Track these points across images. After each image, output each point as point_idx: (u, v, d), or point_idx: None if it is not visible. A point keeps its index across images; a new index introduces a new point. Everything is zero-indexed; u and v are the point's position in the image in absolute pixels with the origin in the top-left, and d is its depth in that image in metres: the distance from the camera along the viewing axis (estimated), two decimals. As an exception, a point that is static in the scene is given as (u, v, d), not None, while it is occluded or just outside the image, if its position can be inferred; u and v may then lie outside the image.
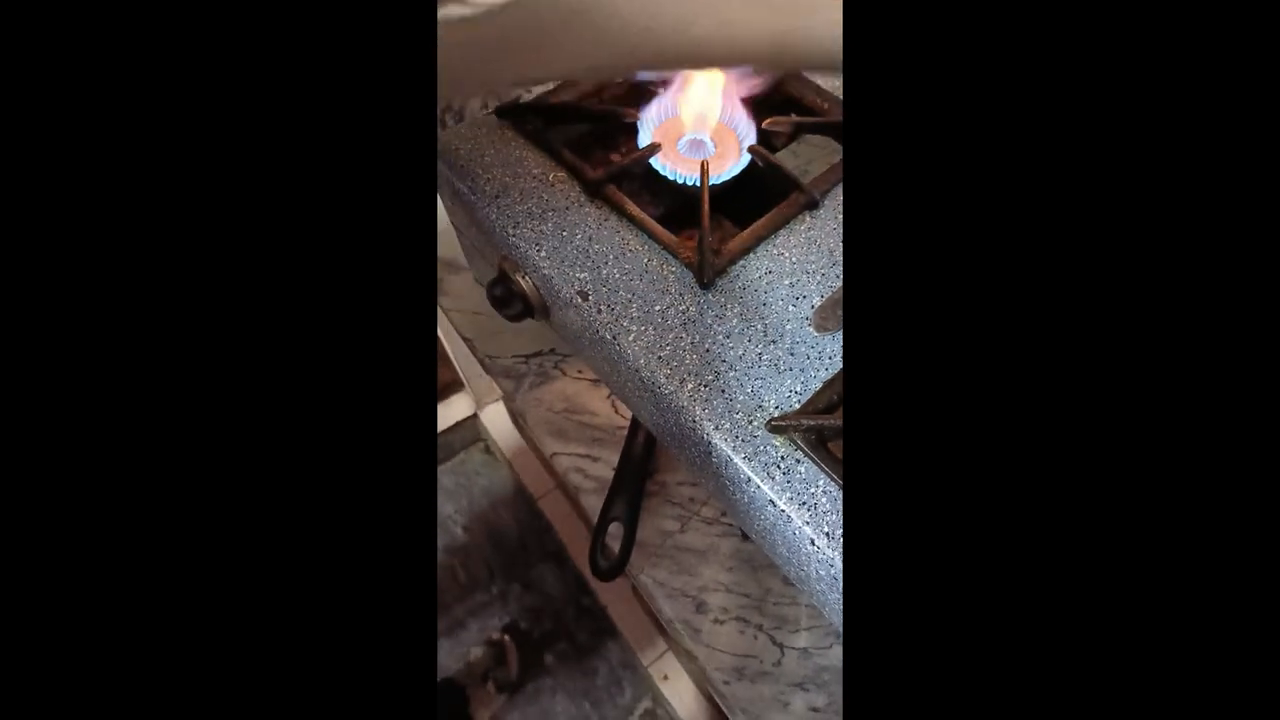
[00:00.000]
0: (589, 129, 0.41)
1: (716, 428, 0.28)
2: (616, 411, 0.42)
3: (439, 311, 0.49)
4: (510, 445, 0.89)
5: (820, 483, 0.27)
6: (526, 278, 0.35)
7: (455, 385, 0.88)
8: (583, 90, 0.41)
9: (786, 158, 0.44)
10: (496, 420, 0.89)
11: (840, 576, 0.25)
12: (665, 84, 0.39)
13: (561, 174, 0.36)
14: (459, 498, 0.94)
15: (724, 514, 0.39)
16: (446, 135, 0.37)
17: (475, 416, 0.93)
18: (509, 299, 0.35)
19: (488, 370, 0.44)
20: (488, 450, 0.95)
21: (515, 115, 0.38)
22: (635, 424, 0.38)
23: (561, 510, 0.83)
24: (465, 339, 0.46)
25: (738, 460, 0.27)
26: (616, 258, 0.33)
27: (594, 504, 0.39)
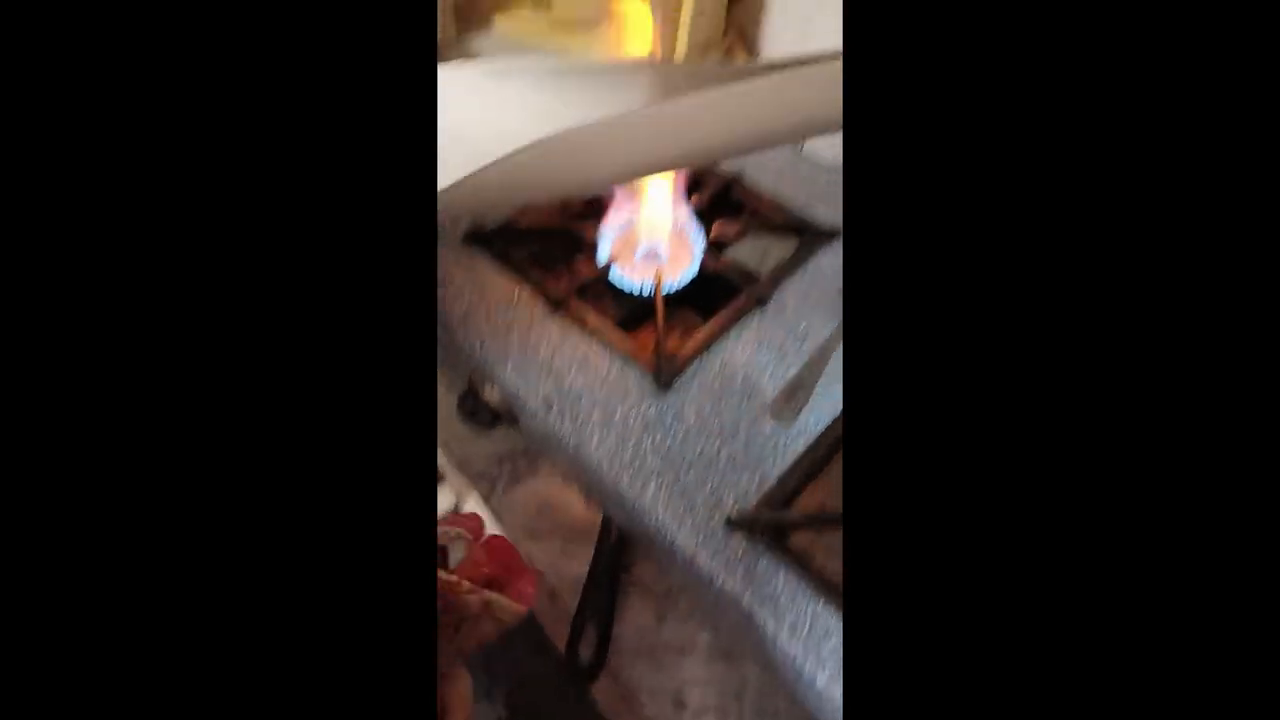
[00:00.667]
0: (553, 243, 0.44)
1: (679, 528, 0.29)
2: (590, 506, 0.43)
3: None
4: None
5: (780, 577, 0.28)
6: (494, 391, 0.37)
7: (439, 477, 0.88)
8: (546, 209, 0.45)
9: (743, 248, 0.47)
10: (478, 512, 0.89)
11: (804, 670, 0.26)
12: (621, 198, 0.43)
13: (526, 291, 0.39)
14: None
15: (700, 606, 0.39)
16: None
17: (457, 508, 0.92)
18: (477, 411, 0.37)
19: (463, 474, 0.46)
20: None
21: (481, 238, 0.41)
22: (607, 520, 0.39)
23: (546, 603, 0.81)
24: (443, 446, 0.47)
25: (701, 560, 0.28)
26: (579, 368, 0.35)
27: (573, 606, 0.39)
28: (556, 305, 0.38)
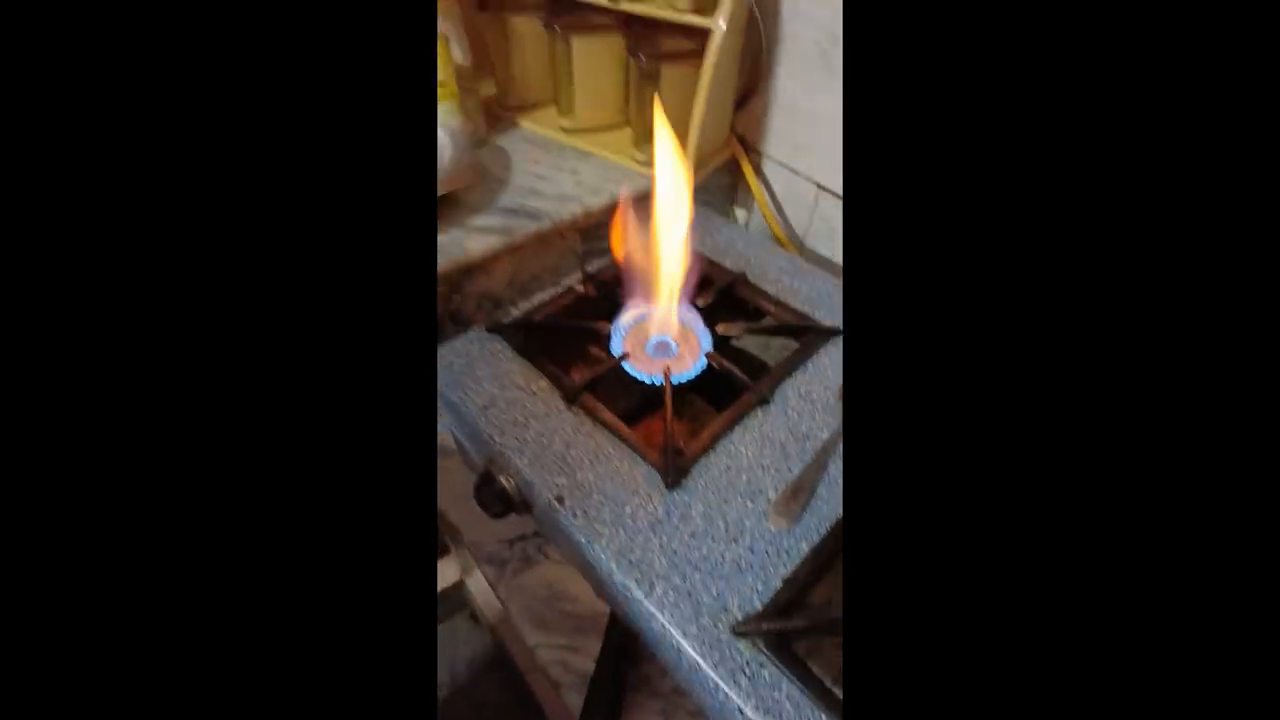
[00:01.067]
0: (569, 338, 0.47)
1: (684, 634, 0.30)
2: (598, 596, 0.44)
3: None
4: (498, 613, 0.86)
5: (783, 687, 0.28)
6: (510, 480, 0.38)
7: (441, 550, 0.87)
8: (563, 304, 0.48)
9: (751, 342, 0.50)
10: (485, 586, 0.88)
11: (810, 790, 0.26)
12: (633, 295, 0.46)
13: (544, 383, 0.41)
14: (442, 670, 0.89)
15: (706, 704, 0.39)
16: (444, 351, 0.43)
17: (462, 583, 0.91)
18: (493, 499, 0.38)
19: (473, 556, 0.46)
20: (473, 618, 0.92)
21: (504, 331, 0.44)
22: (614, 617, 0.40)
23: (545, 685, 0.79)
24: (451, 524, 0.48)
25: (706, 666, 0.29)
26: (591, 462, 0.37)
27: (576, 702, 0.39)
28: (571, 399, 0.40)
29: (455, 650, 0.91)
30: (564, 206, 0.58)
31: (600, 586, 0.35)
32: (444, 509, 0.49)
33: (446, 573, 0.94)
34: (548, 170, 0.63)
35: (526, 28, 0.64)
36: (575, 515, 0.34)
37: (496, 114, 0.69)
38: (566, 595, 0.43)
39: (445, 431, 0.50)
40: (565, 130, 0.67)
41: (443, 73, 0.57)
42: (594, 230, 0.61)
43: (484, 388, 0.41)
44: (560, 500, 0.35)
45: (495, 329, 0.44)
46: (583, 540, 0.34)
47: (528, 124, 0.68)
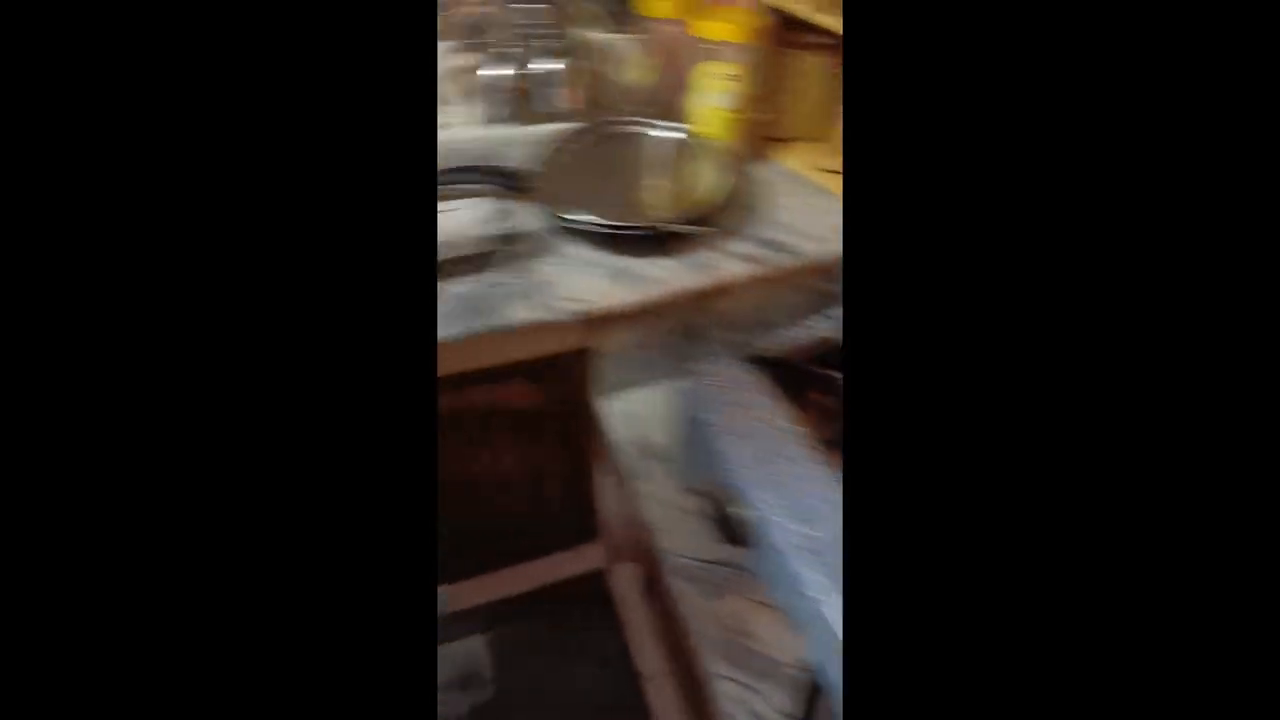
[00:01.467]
0: (807, 380, 0.47)
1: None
2: (807, 653, 0.43)
3: (636, 489, 0.54)
4: (633, 612, 0.88)
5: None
6: (742, 510, 0.39)
7: (589, 534, 0.90)
8: (808, 346, 0.48)
9: None
10: (624, 582, 0.90)
11: None
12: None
13: (793, 425, 0.41)
14: (555, 656, 0.92)
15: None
16: (700, 369, 0.45)
17: (603, 573, 0.94)
18: (720, 522, 0.39)
19: (667, 566, 0.48)
20: (606, 611, 0.94)
21: (761, 364, 0.45)
22: (817, 683, 0.38)
23: (666, 699, 0.78)
24: (652, 527, 0.50)
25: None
26: (835, 518, 0.36)
27: (750, 744, 0.38)
28: (821, 447, 0.39)
29: (577, 640, 0.94)
30: (814, 246, 0.59)
31: (815, 645, 0.35)
32: (647, 508, 0.51)
33: (589, 558, 0.98)
34: (802, 207, 0.63)
35: (816, 67, 0.65)
36: (816, 570, 0.34)
37: (760, 146, 0.71)
38: (753, 634, 0.43)
39: (665, 439, 0.52)
40: (822, 170, 0.67)
41: (737, 103, 0.60)
42: (840, 275, 0.60)
43: (733, 413, 0.42)
44: (806, 551, 0.35)
45: (753, 360, 0.45)
46: (818, 598, 0.33)
47: (787, 159, 0.70)
